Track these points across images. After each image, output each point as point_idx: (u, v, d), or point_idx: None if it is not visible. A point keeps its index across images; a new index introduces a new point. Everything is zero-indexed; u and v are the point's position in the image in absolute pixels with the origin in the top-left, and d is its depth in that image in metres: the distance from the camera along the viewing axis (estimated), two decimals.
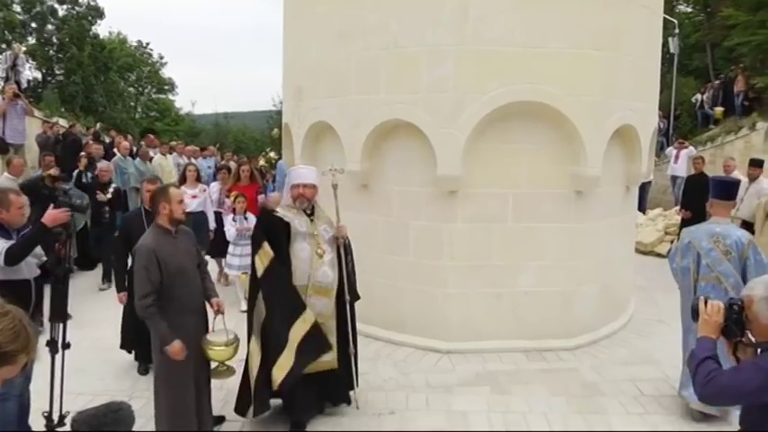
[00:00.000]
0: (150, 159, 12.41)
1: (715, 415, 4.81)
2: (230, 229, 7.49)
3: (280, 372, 4.44)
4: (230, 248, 7.64)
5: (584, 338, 6.47)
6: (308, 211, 4.78)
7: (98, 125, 17.17)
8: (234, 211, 7.62)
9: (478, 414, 4.99)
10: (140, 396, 5.17)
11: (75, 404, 3.92)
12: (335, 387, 4.91)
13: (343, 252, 4.84)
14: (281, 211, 4.74)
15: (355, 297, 5.01)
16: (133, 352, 6.00)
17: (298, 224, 4.67)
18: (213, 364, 4.31)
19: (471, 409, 5.08)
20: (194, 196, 8.09)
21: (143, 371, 5.75)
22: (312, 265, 4.63)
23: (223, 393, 5.01)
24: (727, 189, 4.99)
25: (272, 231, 4.62)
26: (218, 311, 4.25)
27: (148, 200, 5.46)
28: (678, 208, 11.39)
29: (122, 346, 6.04)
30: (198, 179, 8.60)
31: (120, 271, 5.76)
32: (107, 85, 31.89)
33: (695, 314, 2.66)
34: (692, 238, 4.88)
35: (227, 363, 4.26)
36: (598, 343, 6.53)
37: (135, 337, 5.67)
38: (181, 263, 4.09)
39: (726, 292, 4.51)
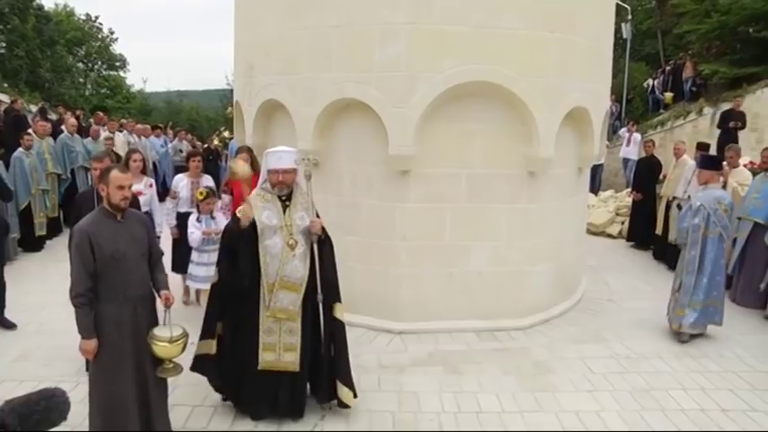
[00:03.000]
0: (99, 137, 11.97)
1: (701, 333, 6.23)
2: (194, 233, 6.32)
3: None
4: (194, 255, 6.55)
5: (536, 318, 6.54)
6: (284, 197, 4.49)
7: (41, 104, 16.40)
8: (198, 209, 6.51)
9: (430, 394, 4.99)
10: (87, 381, 5.02)
11: (18, 392, 3.74)
12: (295, 395, 4.57)
13: (317, 248, 4.49)
14: (252, 201, 4.44)
15: (333, 299, 4.58)
16: None
17: (266, 218, 4.36)
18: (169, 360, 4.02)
19: (423, 389, 5.08)
20: (139, 193, 6.12)
21: None
22: (282, 259, 4.36)
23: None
24: (715, 162, 6.57)
25: (239, 242, 4.37)
26: (166, 305, 3.99)
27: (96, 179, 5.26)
28: (630, 190, 11.61)
29: None
30: (144, 170, 7.02)
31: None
32: (54, 60, 30.59)
33: None
34: (702, 201, 6.10)
35: (174, 360, 3.99)
36: (550, 322, 6.62)
37: None
38: (118, 248, 3.77)
39: (722, 240, 6.12)
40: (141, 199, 6.16)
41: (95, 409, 3.93)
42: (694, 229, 6.09)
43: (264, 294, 4.39)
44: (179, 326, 3.96)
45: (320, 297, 4.49)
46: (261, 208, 4.41)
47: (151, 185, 6.80)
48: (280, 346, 4.46)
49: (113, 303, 3.81)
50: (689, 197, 6.79)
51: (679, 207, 7.62)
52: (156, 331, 3.90)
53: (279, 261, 4.36)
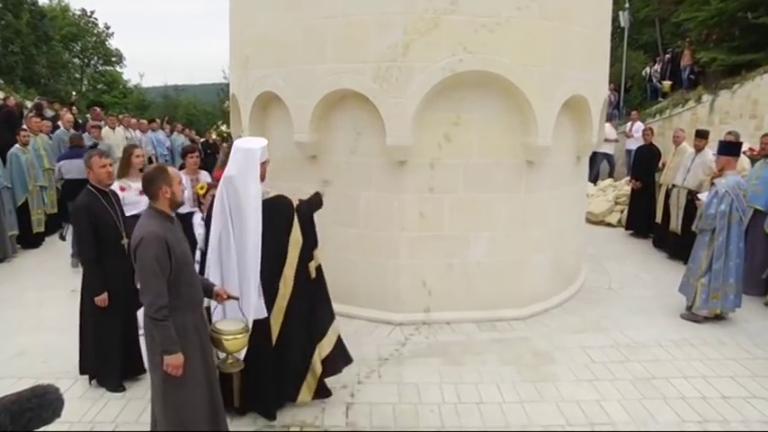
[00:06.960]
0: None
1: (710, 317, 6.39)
2: (201, 233, 5.66)
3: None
4: (197, 255, 5.92)
5: (536, 308, 6.53)
6: None
7: (36, 100, 16.28)
8: (200, 207, 5.97)
9: (431, 386, 4.98)
10: (86, 377, 5.01)
11: (15, 388, 3.68)
12: None
13: None
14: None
15: None
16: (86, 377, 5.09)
17: None
18: (221, 356, 3.93)
19: (423, 380, 5.07)
20: (143, 192, 5.24)
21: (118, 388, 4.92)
22: None
23: None
24: (733, 148, 6.68)
25: None
26: (230, 296, 3.86)
27: (107, 177, 4.96)
28: (629, 178, 11.57)
29: (83, 371, 5.09)
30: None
31: (93, 267, 4.78)
32: (50, 56, 30.46)
33: None
34: (727, 188, 6.27)
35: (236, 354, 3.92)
36: (549, 312, 6.61)
37: (96, 357, 4.94)
38: (185, 252, 3.60)
39: (741, 225, 6.34)
40: (145, 198, 5.33)
41: (174, 425, 3.65)
42: (721, 215, 6.25)
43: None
44: (235, 319, 3.93)
45: None
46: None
47: None
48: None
49: (185, 313, 3.58)
50: (712, 184, 6.75)
51: (690, 200, 7.61)
52: (221, 326, 3.81)
53: None
